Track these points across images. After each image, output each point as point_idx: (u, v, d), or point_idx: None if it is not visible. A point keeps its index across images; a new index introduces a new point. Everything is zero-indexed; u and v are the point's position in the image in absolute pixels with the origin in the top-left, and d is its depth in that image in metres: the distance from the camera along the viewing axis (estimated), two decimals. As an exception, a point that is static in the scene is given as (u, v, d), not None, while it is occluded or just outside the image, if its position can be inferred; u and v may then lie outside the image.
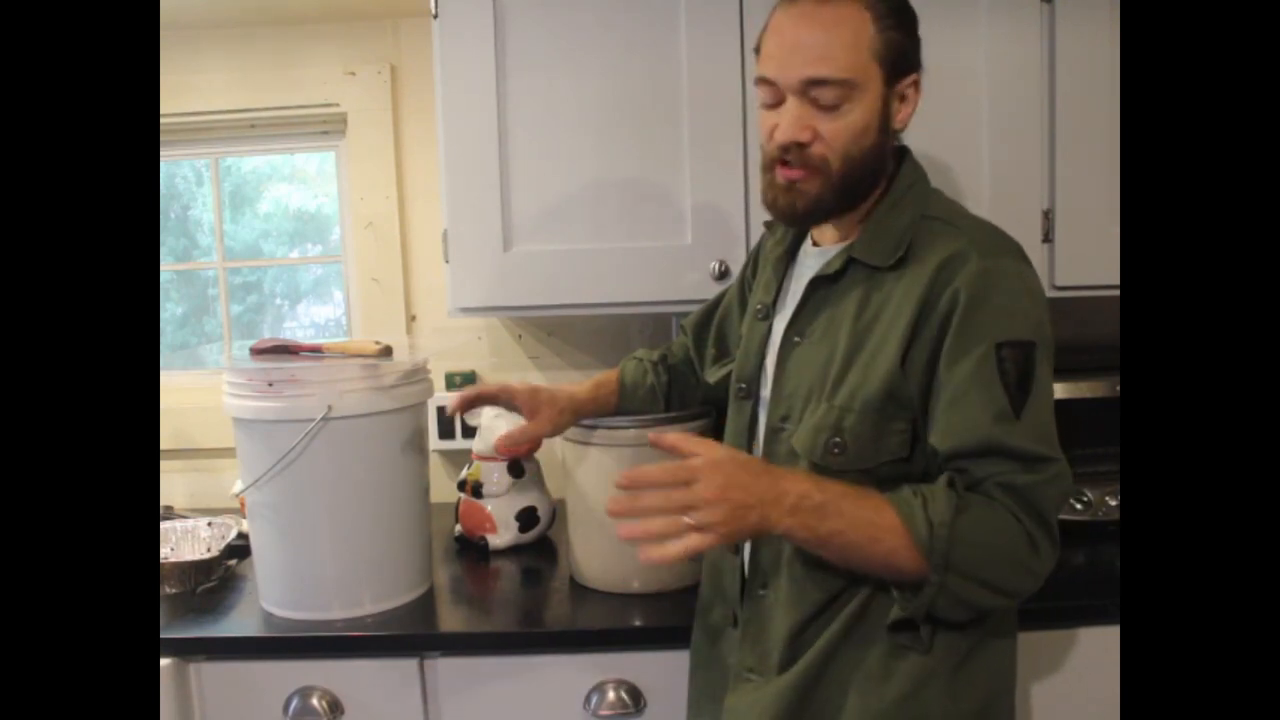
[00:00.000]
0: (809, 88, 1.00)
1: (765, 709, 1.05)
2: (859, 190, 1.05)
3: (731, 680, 1.12)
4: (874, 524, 0.95)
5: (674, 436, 0.98)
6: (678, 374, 1.42)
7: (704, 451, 0.95)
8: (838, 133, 1.01)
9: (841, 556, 0.98)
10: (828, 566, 1.02)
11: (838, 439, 1.01)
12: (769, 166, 1.05)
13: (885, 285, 1.03)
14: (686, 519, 0.91)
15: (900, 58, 1.02)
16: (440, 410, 1.87)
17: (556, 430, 1.36)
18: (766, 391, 1.12)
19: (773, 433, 1.10)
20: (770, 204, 1.07)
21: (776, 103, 1.03)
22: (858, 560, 0.98)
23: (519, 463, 1.65)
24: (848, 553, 0.97)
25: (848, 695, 1.02)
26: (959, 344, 0.97)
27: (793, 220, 1.08)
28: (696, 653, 1.24)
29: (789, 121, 1.01)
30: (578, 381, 1.39)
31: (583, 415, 1.37)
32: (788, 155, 1.02)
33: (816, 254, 1.13)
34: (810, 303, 1.09)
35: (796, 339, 1.09)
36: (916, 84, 1.05)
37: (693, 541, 0.91)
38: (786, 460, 1.07)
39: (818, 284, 1.08)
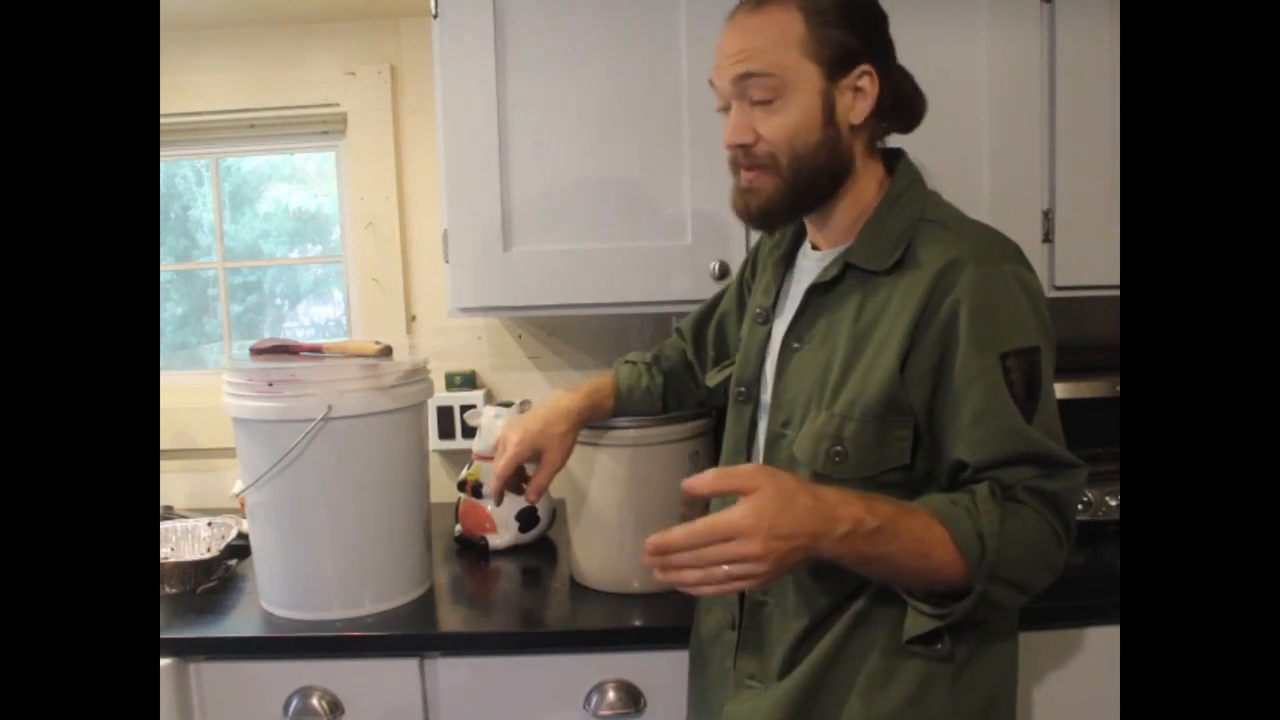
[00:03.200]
0: (741, 86, 1.03)
1: (767, 715, 1.05)
2: (818, 188, 1.05)
3: (732, 686, 1.11)
4: (924, 541, 0.93)
5: (711, 479, 0.90)
6: (673, 376, 1.41)
7: (745, 486, 0.88)
8: (776, 129, 1.03)
9: (883, 573, 0.97)
10: (833, 575, 1.01)
11: (839, 447, 1.01)
12: (734, 171, 1.08)
13: (881, 290, 1.03)
14: (726, 568, 0.86)
15: (840, 53, 1.02)
16: (440, 410, 1.87)
17: (570, 452, 1.31)
18: (767, 396, 1.12)
19: (773, 439, 1.10)
20: (734, 208, 1.09)
21: (725, 108, 1.07)
22: (901, 576, 0.96)
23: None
24: (892, 571, 0.95)
25: (850, 700, 1.02)
26: (969, 357, 0.97)
27: (753, 222, 1.09)
28: (695, 655, 1.24)
29: (730, 124, 1.05)
30: (574, 385, 1.37)
31: (583, 425, 1.35)
32: (740, 159, 1.06)
33: (814, 258, 1.12)
34: (808, 309, 1.09)
35: (795, 345, 1.09)
36: (872, 75, 1.03)
37: (734, 587, 0.88)
38: (786, 468, 1.06)
39: (815, 290, 1.08)
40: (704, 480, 0.90)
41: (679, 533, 0.87)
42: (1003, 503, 0.96)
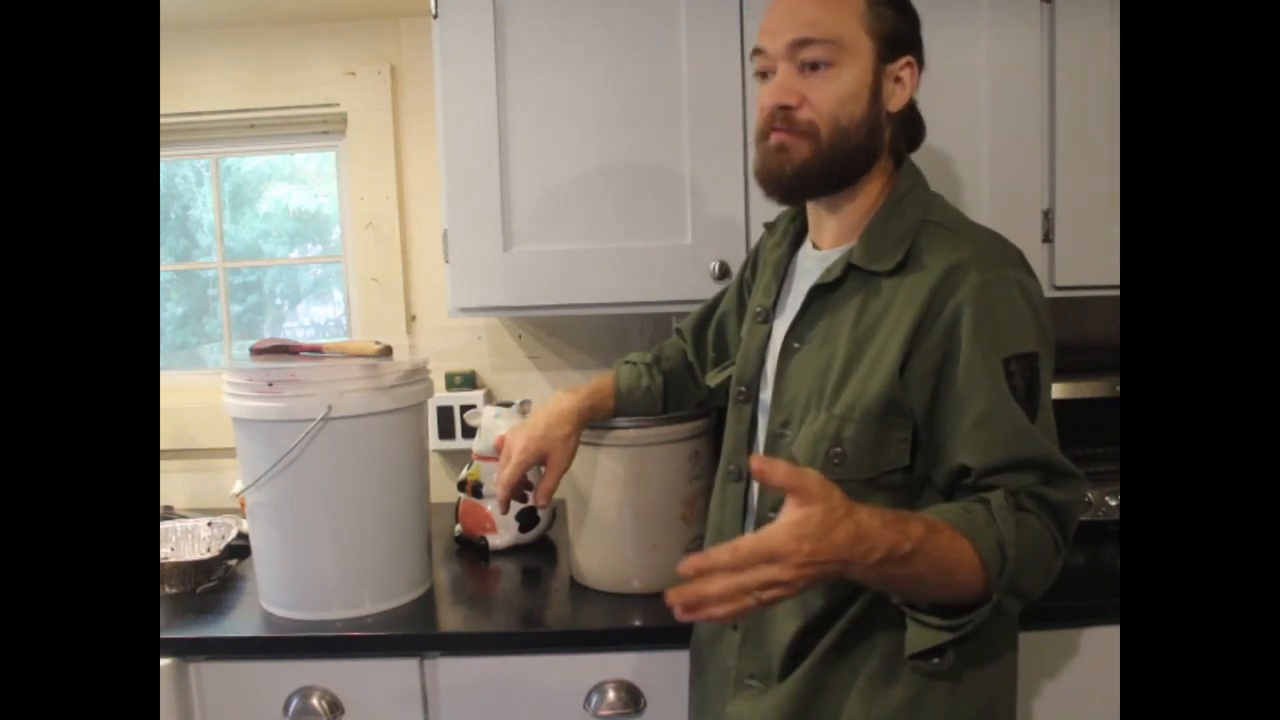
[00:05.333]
0: (797, 49, 1.03)
1: (767, 716, 1.05)
2: (850, 165, 1.05)
3: (732, 687, 1.11)
4: (949, 558, 0.90)
5: (785, 471, 0.84)
6: (674, 376, 1.41)
7: (803, 493, 0.83)
8: (825, 97, 1.03)
9: (899, 589, 0.94)
10: None
11: (838, 449, 1.01)
12: (762, 137, 1.07)
13: (884, 292, 1.03)
14: (757, 596, 0.82)
15: (894, 35, 1.04)
16: (440, 410, 1.87)
17: (574, 454, 1.31)
18: (767, 395, 1.12)
19: (773, 439, 1.10)
20: (759, 171, 1.08)
21: (768, 72, 1.06)
22: (919, 591, 0.93)
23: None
24: (913, 587, 0.92)
25: (850, 701, 1.02)
26: (972, 360, 0.96)
27: (780, 186, 1.07)
28: (696, 656, 1.24)
29: (776, 85, 1.04)
30: (574, 386, 1.37)
31: (584, 426, 1.34)
32: (777, 120, 1.04)
33: (816, 258, 1.12)
34: (810, 310, 1.09)
35: (796, 345, 1.09)
36: (913, 67, 1.06)
37: (752, 608, 0.84)
38: None
39: (817, 291, 1.08)
40: (778, 469, 0.84)
41: (723, 553, 0.82)
42: (1015, 511, 0.95)
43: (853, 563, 0.85)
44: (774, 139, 1.05)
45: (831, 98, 1.03)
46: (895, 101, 1.06)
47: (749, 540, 0.83)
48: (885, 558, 0.86)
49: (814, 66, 1.02)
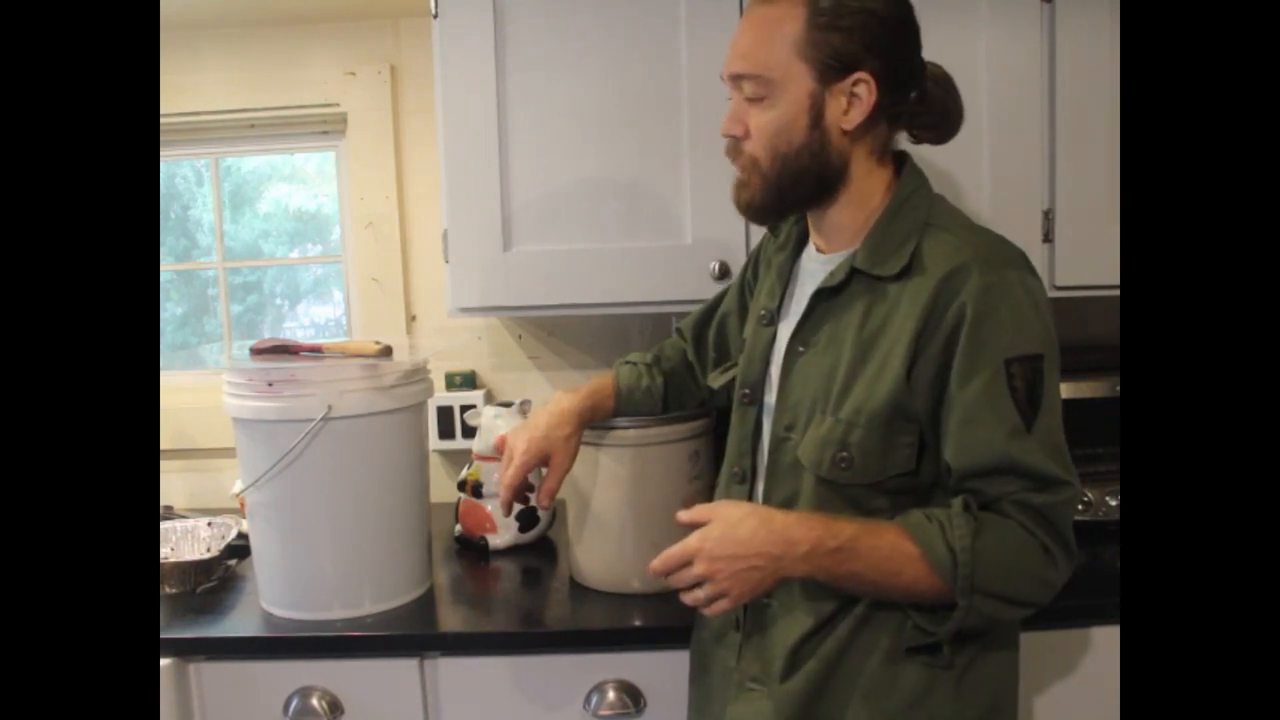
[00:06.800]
0: (736, 83, 1.06)
1: (769, 718, 1.05)
2: (802, 189, 1.06)
3: (734, 688, 1.11)
4: (892, 559, 0.96)
5: (683, 514, 1.03)
6: (674, 376, 1.41)
7: (705, 517, 1.00)
8: (762, 127, 1.05)
9: (861, 591, 1.00)
10: None
11: (844, 453, 1.01)
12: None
13: (889, 296, 1.03)
14: (698, 593, 0.98)
15: (838, 57, 1.01)
16: (440, 410, 1.87)
17: (575, 454, 1.31)
18: (771, 398, 1.12)
19: (778, 442, 1.10)
20: (732, 197, 1.12)
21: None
22: (878, 592, 1.00)
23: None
24: (867, 588, 0.99)
25: (853, 703, 1.03)
26: (968, 362, 0.97)
27: (744, 216, 1.13)
28: (698, 656, 1.24)
29: (727, 115, 1.08)
30: (574, 386, 1.36)
31: (585, 426, 1.33)
32: (730, 150, 1.09)
33: (820, 261, 1.12)
34: (814, 314, 1.09)
35: (800, 349, 1.09)
36: (868, 83, 1.01)
37: (719, 606, 0.98)
38: (790, 471, 1.07)
39: (821, 295, 1.08)
40: (683, 515, 1.03)
41: (656, 561, 1.00)
42: (979, 515, 0.97)
43: (780, 557, 0.96)
44: (738, 173, 1.09)
45: (766, 129, 1.04)
46: (850, 119, 1.03)
47: (674, 547, 0.99)
48: (812, 550, 0.96)
49: (750, 98, 1.05)
